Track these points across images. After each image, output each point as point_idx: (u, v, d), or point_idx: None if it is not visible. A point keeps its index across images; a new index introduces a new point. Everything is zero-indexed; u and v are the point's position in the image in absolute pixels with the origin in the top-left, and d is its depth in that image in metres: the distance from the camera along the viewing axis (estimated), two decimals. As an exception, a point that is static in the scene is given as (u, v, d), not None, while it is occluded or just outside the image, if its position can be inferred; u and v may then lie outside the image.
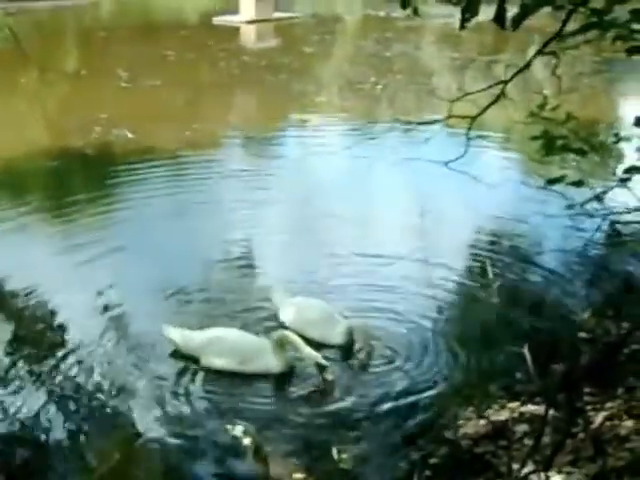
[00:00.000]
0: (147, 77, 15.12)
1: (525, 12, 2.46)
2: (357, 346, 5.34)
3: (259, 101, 14.71)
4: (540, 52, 3.27)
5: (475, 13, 2.53)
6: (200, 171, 9.54)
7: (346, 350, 5.38)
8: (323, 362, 4.98)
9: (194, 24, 25.23)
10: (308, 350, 5.05)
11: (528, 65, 3.45)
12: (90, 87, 14.61)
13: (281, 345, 5.10)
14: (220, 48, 19.05)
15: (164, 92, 14.18)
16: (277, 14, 25.72)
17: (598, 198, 3.51)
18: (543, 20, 3.00)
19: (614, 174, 4.45)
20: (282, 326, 5.54)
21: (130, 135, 10.94)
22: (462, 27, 2.58)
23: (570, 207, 3.34)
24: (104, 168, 9.88)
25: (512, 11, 2.93)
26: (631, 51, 2.25)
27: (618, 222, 6.51)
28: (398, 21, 22.73)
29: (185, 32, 22.52)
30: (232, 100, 14.87)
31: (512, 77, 3.53)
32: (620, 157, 5.67)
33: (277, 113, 13.31)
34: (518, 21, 2.47)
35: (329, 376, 4.94)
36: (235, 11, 24.96)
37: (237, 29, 23.73)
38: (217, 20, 24.44)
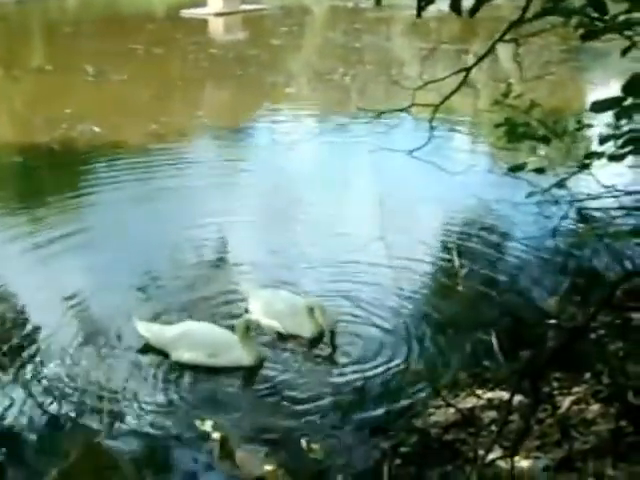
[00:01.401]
0: (114, 71, 14.97)
1: (481, 0, 2.47)
2: (325, 337, 5.35)
3: (227, 94, 14.63)
4: (500, 39, 3.27)
5: (431, 1, 2.53)
6: (167, 162, 9.49)
7: (315, 341, 5.38)
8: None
9: (161, 17, 25.03)
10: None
11: (489, 52, 3.46)
12: (56, 82, 14.44)
13: (246, 330, 5.09)
14: (188, 41, 18.93)
15: (131, 86, 14.05)
16: (245, 6, 25.60)
17: (560, 185, 3.53)
18: (512, 9, 3.00)
19: (576, 160, 4.47)
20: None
21: (96, 129, 10.83)
22: (418, 15, 2.58)
23: (531, 194, 3.36)
24: (70, 163, 9.79)
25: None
26: (585, 37, 2.27)
27: (584, 208, 6.56)
28: (367, 12, 22.75)
29: (152, 25, 22.35)
30: (200, 93, 14.77)
31: (473, 65, 3.53)
32: (586, 144, 5.71)
33: (246, 105, 13.26)
34: (474, 9, 2.48)
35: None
36: (203, 3, 24.81)
37: (205, 22, 23.59)
38: (185, 13, 24.27)
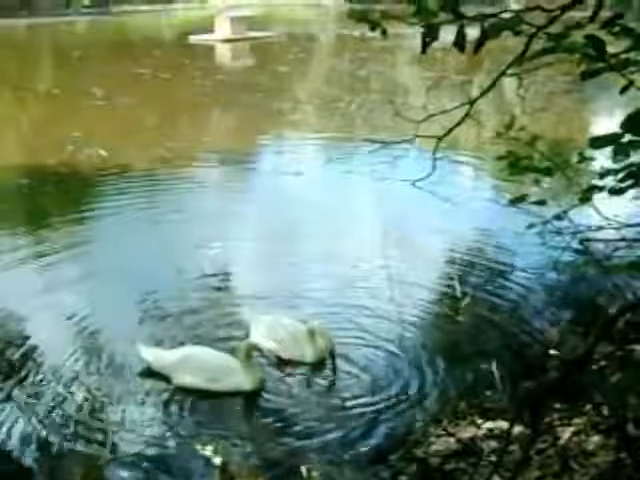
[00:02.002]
0: (122, 95, 15.13)
1: (485, 37, 2.53)
2: (328, 365, 5.37)
3: (234, 120, 14.76)
4: (503, 74, 3.34)
5: (435, 38, 2.60)
6: (174, 188, 9.56)
7: (316, 367, 5.40)
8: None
9: (169, 42, 25.33)
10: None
11: (492, 87, 3.52)
12: (64, 105, 14.60)
13: (247, 355, 5.11)
14: (196, 67, 19.14)
15: (138, 111, 14.20)
16: (252, 33, 25.88)
17: (560, 217, 3.58)
18: (517, 41, 3.07)
19: (579, 193, 4.52)
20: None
21: (103, 153, 10.92)
22: (423, 51, 2.64)
23: (531, 226, 3.40)
24: (76, 186, 9.87)
25: (473, 35, 3.01)
26: (584, 76, 2.32)
27: (587, 240, 6.60)
28: (373, 41, 22.95)
29: (160, 51, 22.60)
30: (207, 119, 14.91)
31: (477, 98, 3.60)
32: (589, 176, 5.76)
33: (252, 132, 13.35)
34: (478, 46, 2.54)
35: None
36: (210, 30, 25.09)
37: (212, 48, 23.85)
38: (193, 39, 24.54)
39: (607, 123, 13.83)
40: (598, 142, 2.37)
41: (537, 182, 4.36)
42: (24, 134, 13.14)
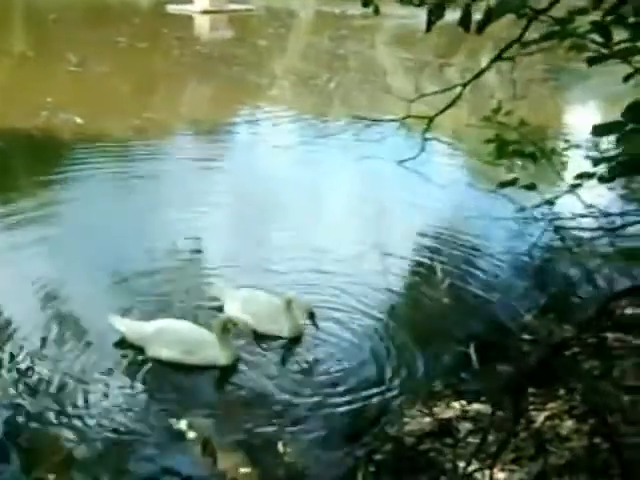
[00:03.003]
0: (97, 62, 14.87)
1: (489, 17, 2.50)
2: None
3: (211, 91, 14.59)
4: (499, 57, 3.32)
5: (441, 16, 2.57)
6: (146, 157, 9.46)
7: (293, 342, 5.39)
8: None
9: (147, 10, 24.94)
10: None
11: (486, 69, 3.51)
12: (38, 69, 14.32)
13: (224, 329, 5.08)
14: (173, 37, 18.86)
15: (114, 79, 13.96)
16: (231, 5, 25.57)
17: (550, 202, 3.59)
18: (494, 26, 3.04)
19: (562, 179, 4.55)
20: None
21: (78, 120, 10.75)
22: (428, 29, 2.61)
23: (521, 210, 3.41)
24: (52, 152, 9.72)
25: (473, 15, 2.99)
26: (591, 62, 2.31)
27: (563, 227, 6.66)
28: (353, 19, 22.81)
29: (138, 18, 22.25)
30: (183, 90, 14.72)
31: (470, 80, 3.58)
32: (565, 163, 5.79)
33: (228, 104, 13.22)
34: (482, 25, 2.52)
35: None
36: (189, 0, 24.74)
37: (191, 18, 23.52)
38: (171, 8, 24.18)
39: (582, 110, 13.95)
40: (600, 129, 2.37)
41: (524, 167, 4.39)
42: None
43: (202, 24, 23.34)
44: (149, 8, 25.37)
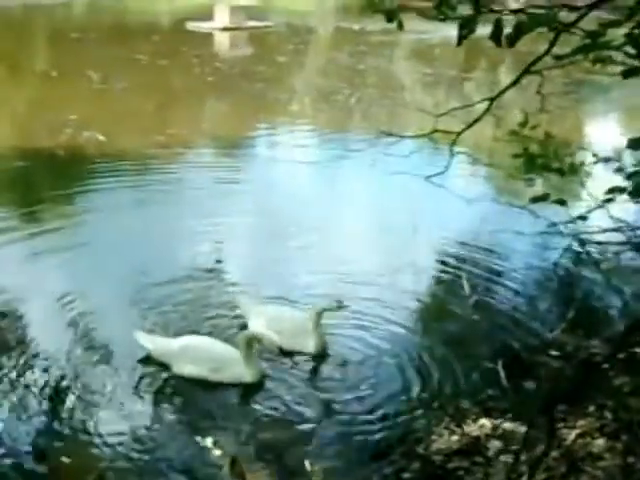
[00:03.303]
0: (118, 80, 14.99)
1: (520, 31, 2.49)
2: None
3: (231, 108, 14.64)
4: (527, 71, 3.29)
5: (473, 31, 2.55)
6: (170, 173, 9.50)
7: (319, 359, 5.36)
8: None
9: (167, 28, 25.12)
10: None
11: (514, 83, 3.48)
12: (61, 88, 14.44)
13: (249, 346, 5.05)
14: (193, 54, 18.97)
15: (137, 96, 14.07)
16: (251, 22, 25.70)
17: (582, 218, 3.56)
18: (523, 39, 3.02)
19: (589, 193, 4.49)
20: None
21: (101, 138, 10.82)
22: (459, 43, 2.60)
23: (552, 225, 3.38)
24: (74, 169, 9.78)
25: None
26: (626, 74, 2.28)
27: (589, 241, 6.58)
28: (372, 35, 22.83)
29: (158, 36, 22.40)
30: (204, 107, 14.80)
31: (499, 94, 3.55)
32: (593, 177, 5.74)
33: (249, 121, 13.25)
34: (514, 39, 2.50)
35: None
36: (209, 17, 24.90)
37: (211, 35, 23.67)
38: (191, 25, 24.35)
39: (603, 123, 13.86)
40: (636, 143, 2.34)
41: (547, 180, 4.34)
42: (21, 116, 12.99)
43: (222, 41, 23.48)
44: (169, 26, 25.57)
